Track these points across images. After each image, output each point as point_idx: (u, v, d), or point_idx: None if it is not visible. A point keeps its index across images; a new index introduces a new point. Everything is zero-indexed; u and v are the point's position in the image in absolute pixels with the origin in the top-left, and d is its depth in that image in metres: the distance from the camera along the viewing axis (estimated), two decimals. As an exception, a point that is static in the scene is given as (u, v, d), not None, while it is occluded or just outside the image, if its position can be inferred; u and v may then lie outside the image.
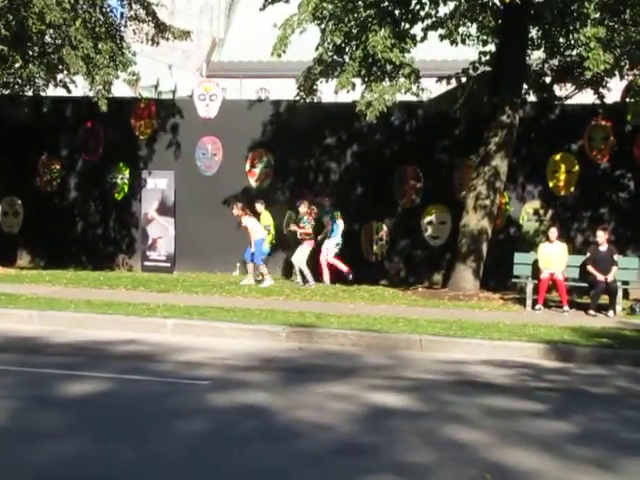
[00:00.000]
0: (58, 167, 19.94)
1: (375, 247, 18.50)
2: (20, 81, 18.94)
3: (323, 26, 15.04)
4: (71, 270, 18.52)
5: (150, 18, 18.55)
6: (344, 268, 16.86)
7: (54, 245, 19.46)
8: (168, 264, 18.75)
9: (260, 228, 16.55)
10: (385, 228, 18.37)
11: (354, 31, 14.80)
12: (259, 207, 17.27)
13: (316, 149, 18.72)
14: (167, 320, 11.46)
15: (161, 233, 18.83)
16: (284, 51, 14.68)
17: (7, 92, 19.37)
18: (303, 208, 16.47)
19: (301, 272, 16.41)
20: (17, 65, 18.77)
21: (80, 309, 12.13)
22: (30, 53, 17.95)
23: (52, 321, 11.54)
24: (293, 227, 17.02)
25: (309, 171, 18.82)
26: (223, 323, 11.32)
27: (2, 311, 11.91)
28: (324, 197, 17.64)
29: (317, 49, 15.40)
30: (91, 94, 17.43)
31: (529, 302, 14.41)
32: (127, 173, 19.62)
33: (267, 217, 17.26)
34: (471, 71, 17.17)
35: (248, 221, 16.43)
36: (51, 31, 17.31)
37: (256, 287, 15.77)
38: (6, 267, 17.89)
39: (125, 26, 18.71)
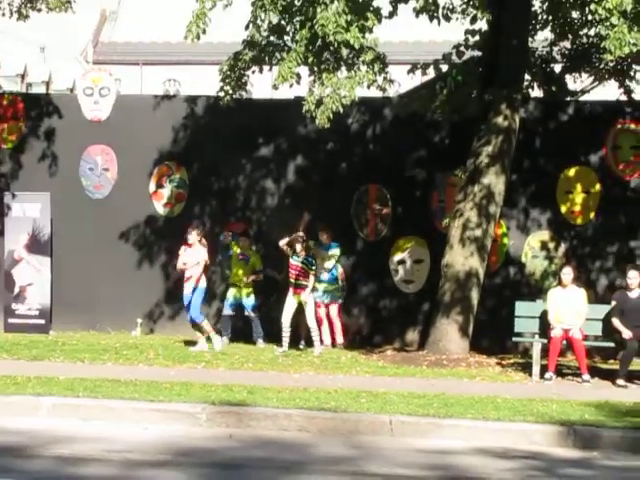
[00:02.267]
0: None
1: (327, 295, 18.61)
2: None
3: (255, -3, 15.22)
4: None
5: (15, -20, 18.56)
6: (328, 339, 17.33)
7: None
8: (42, 321, 18.56)
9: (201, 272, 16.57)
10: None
11: (296, 3, 15.01)
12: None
13: (247, 162, 18.84)
14: (42, 399, 11.34)
15: (32, 278, 18.67)
16: (203, 31, 14.81)
17: None
18: (299, 245, 16.55)
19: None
20: None
21: None
22: None
23: None
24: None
25: (237, 192, 18.90)
26: (121, 402, 11.24)
27: None
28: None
29: (247, 28, 15.56)
30: None
31: (536, 369, 14.58)
32: (-17, 196, 19.46)
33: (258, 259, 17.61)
34: (455, 57, 17.50)
35: (199, 254, 16.48)
36: None
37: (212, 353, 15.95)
38: None
39: (-22, -8, 18.70)
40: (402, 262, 18.42)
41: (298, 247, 16.63)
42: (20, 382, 12.31)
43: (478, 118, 16.34)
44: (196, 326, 16.54)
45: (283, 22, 15.28)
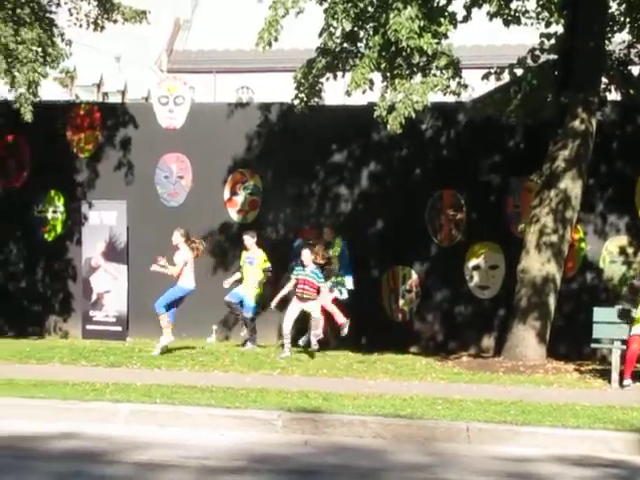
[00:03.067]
0: (-33, 198, 20.08)
1: (402, 301, 18.58)
2: None
3: (327, 4, 15.25)
4: (-16, 338, 18.60)
5: (92, -7, 18.83)
6: (340, 319, 17.02)
7: (-41, 304, 19.54)
8: (119, 328, 18.80)
9: (188, 271, 16.68)
10: (415, 275, 18.45)
11: (370, 10, 15.02)
12: (249, 241, 17.45)
13: (320, 169, 18.90)
14: (119, 405, 11.47)
15: (109, 286, 18.92)
16: (275, 39, 14.89)
17: None
18: (307, 256, 16.51)
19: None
20: None
21: (-1, 392, 12.19)
22: None
23: (-39, 409, 11.58)
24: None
25: (310, 199, 18.97)
26: (197, 408, 11.33)
27: None
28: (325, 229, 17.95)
29: (320, 35, 15.61)
30: (11, 98, 17.63)
31: (615, 375, 14.41)
32: (61, 204, 19.77)
33: (262, 256, 17.60)
34: (530, 61, 17.39)
35: (185, 255, 16.59)
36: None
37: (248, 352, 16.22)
38: None
39: (58, 5, 19.00)
40: (477, 268, 18.33)
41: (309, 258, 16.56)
42: (99, 388, 12.47)
43: (554, 122, 16.22)
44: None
45: (356, 28, 15.28)
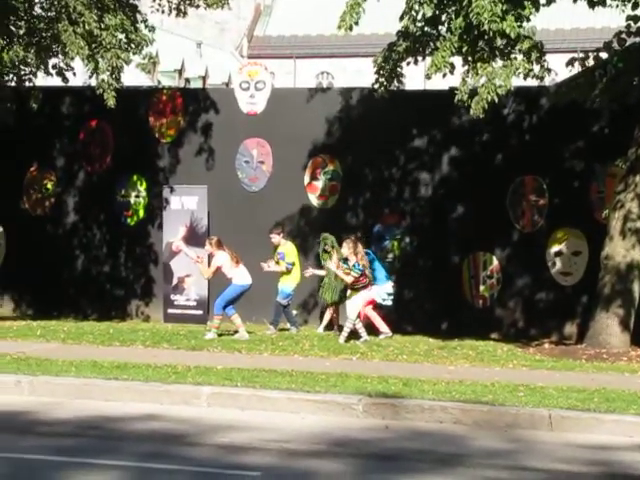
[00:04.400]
0: (52, 182, 20.41)
1: (482, 287, 18.47)
2: (1, 68, 19.50)
3: (410, -13, 15.20)
4: (70, 321, 18.90)
5: (175, -21, 18.98)
6: (382, 327, 17.02)
7: (46, 287, 19.86)
8: (200, 311, 18.97)
9: (237, 270, 16.76)
10: (496, 261, 18.33)
11: (452, -7, 14.93)
12: (276, 238, 17.55)
13: (400, 154, 18.85)
14: (201, 388, 11.59)
15: (190, 270, 19.08)
16: (356, 22, 14.88)
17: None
18: (346, 249, 16.40)
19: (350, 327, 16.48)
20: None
21: (83, 373, 12.36)
22: (14, 30, 18.51)
23: (47, 390, 11.78)
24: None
25: (390, 184, 18.93)
26: (277, 392, 11.39)
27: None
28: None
29: (401, 19, 15.55)
30: (94, 84, 17.84)
31: (701, 364, 14.21)
32: (143, 189, 20.00)
33: (290, 251, 17.68)
34: (615, 44, 17.09)
35: (221, 260, 16.76)
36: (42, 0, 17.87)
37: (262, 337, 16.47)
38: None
39: (141, -9, 19.20)
40: (559, 254, 18.14)
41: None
42: (180, 371, 12.59)
43: (639, 106, 15.94)
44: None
45: (437, 12, 15.19)
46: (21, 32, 18.46)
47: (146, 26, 18.34)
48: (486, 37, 14.72)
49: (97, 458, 8.58)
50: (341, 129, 19.13)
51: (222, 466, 8.41)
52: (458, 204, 18.52)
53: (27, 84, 19.13)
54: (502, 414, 10.60)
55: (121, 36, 17.57)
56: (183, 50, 27.31)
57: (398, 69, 16.23)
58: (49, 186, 20.42)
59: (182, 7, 19.10)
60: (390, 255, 18.78)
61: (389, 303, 17.52)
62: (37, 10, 18.35)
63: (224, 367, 12.92)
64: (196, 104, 19.90)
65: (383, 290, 17.31)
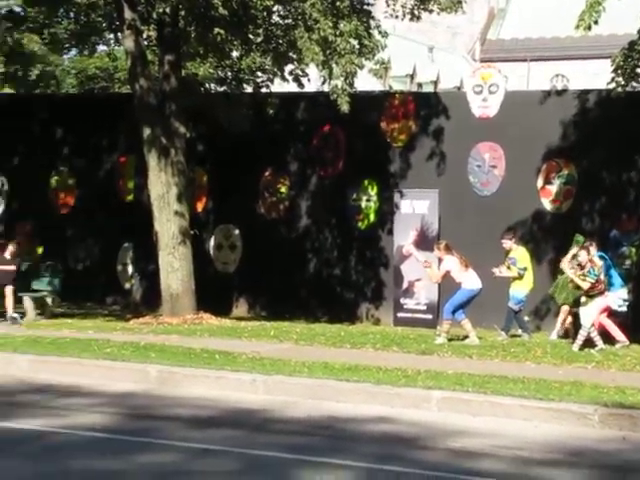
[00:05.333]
0: (286, 186, 20.86)
1: None
2: (239, 75, 20.12)
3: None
4: (301, 322, 19.25)
5: (410, -17, 18.97)
6: (619, 336, 16.40)
7: (279, 289, 20.31)
8: (429, 316, 18.95)
9: (466, 275, 16.42)
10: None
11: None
12: (508, 243, 17.19)
13: (639, 157, 18.22)
14: (432, 392, 11.51)
15: (421, 274, 19.06)
16: (595, 22, 14.50)
17: (222, 89, 20.66)
18: (584, 255, 15.90)
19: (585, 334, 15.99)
20: (235, 55, 20.01)
21: (315, 374, 12.52)
22: (252, 37, 19.05)
23: (280, 389, 12.01)
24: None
25: (629, 188, 18.35)
26: (509, 399, 11.18)
27: (218, 374, 12.56)
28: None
29: (643, 17, 15.09)
30: (327, 89, 18.09)
31: None
32: (374, 193, 20.16)
33: (522, 256, 17.31)
34: None
35: (450, 264, 16.51)
36: (280, 8, 18.26)
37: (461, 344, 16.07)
38: (220, 316, 18.88)
39: (375, -4, 19.33)
40: None
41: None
42: (410, 375, 12.55)
43: None
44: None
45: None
46: (258, 40, 18.98)
47: (379, 32, 18.44)
48: None
49: (329, 457, 8.65)
50: (577, 132, 18.71)
51: (455, 471, 8.33)
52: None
53: (264, 90, 19.62)
54: None
55: (354, 42, 17.72)
56: (415, 55, 27.35)
57: (638, 69, 15.72)
58: (283, 190, 20.89)
59: (416, 12, 19.08)
60: (627, 262, 18.21)
61: (624, 309, 16.94)
62: (274, 18, 18.79)
63: (454, 372, 12.81)
64: (428, 108, 19.92)
65: (618, 296, 16.75)
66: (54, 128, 22.55)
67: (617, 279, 16.87)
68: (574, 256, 16.20)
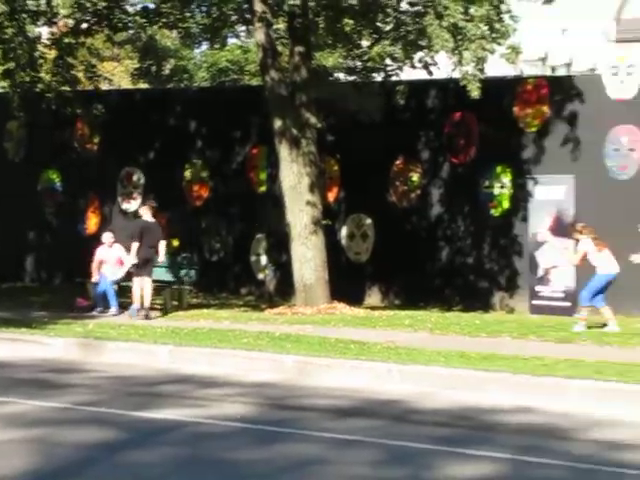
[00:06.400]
0: (417, 174, 20.78)
1: None
2: (368, 64, 20.12)
3: None
4: (435, 311, 19.16)
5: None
6: None
7: (412, 278, 20.25)
8: (567, 303, 18.60)
9: (601, 258, 16.00)
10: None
11: None
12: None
13: None
14: (571, 381, 11.33)
15: (556, 261, 18.76)
16: None
17: (352, 79, 20.69)
18: None
19: None
20: (365, 44, 20.01)
21: (451, 364, 12.46)
22: (381, 26, 19.01)
23: (416, 378, 11.98)
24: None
25: None
26: (653, 388, 10.97)
27: (354, 364, 12.60)
28: None
29: None
30: (458, 75, 17.91)
31: None
32: (508, 180, 19.91)
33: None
34: None
35: (586, 245, 16.18)
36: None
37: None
38: (353, 306, 18.92)
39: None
40: None
41: None
42: (548, 364, 12.40)
43: None
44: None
45: None
46: (387, 28, 18.94)
47: (510, 16, 18.16)
48: None
49: (471, 449, 8.58)
50: None
51: (600, 462, 8.17)
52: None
53: (393, 79, 19.57)
54: None
55: (485, 27, 17.50)
56: (547, 37, 26.94)
57: None
58: (415, 178, 20.83)
59: (548, -7, 18.72)
60: None
61: None
62: (404, 5, 18.70)
63: (595, 360, 12.57)
64: (562, 92, 19.55)
65: None
66: (187, 121, 22.88)
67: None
68: None
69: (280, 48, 20.31)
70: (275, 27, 20.03)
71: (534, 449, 8.62)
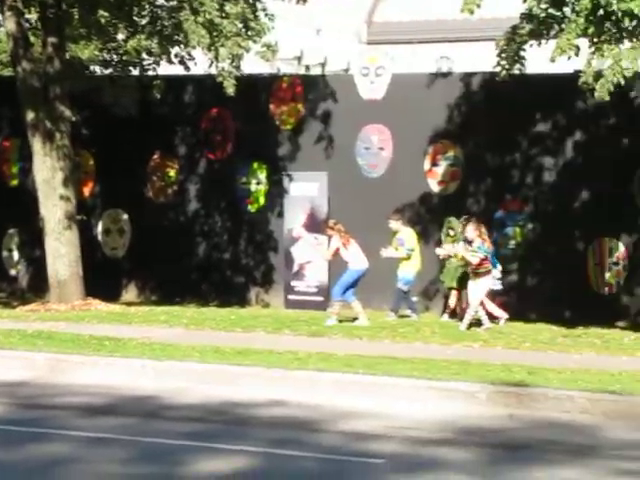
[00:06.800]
0: (174, 170, 20.70)
1: (608, 274, 18.10)
2: (124, 58, 19.86)
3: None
4: (192, 307, 19.14)
5: (294, -36, 18.93)
6: (497, 312, 16.87)
7: (169, 273, 20.17)
8: (320, 298, 18.99)
9: (351, 254, 16.67)
10: (622, 248, 17.93)
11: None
12: (395, 224, 17.49)
13: (522, 139, 18.58)
14: (322, 374, 11.60)
15: (310, 256, 19.14)
16: (478, 5, 14.68)
17: (108, 72, 20.39)
18: (472, 230, 16.18)
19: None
20: (121, 37, 19.76)
21: (207, 359, 12.51)
22: (137, 20, 18.83)
23: (171, 374, 11.97)
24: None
25: (513, 169, 18.68)
26: (399, 379, 11.33)
27: (107, 361, 12.47)
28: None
29: (525, 0, 15.29)
30: (214, 72, 17.97)
31: None
32: (264, 176, 20.13)
33: (410, 237, 17.56)
34: None
35: (338, 242, 16.77)
36: (165, -11, 18.11)
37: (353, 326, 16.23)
38: (109, 302, 18.69)
39: (261, -21, 19.23)
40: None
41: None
42: (301, 357, 12.63)
43: None
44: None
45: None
46: (144, 22, 18.78)
47: (266, 14, 18.41)
48: (613, 18, 14.36)
49: (225, 443, 8.68)
50: (462, 114, 18.92)
51: (347, 453, 8.43)
52: (583, 189, 18.17)
53: (150, 73, 19.43)
54: (632, 404, 10.37)
55: (240, 25, 17.67)
56: (302, 37, 27.42)
57: (521, 52, 15.95)
58: (171, 174, 20.74)
59: (302, -6, 19.05)
60: (512, 242, 18.55)
61: (499, 287, 17.24)
62: (160, 0, 18.60)
63: (345, 354, 12.92)
64: (316, 91, 19.92)
65: (492, 275, 17.06)
66: None
67: (492, 259, 17.19)
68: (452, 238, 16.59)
69: (33, 39, 19.76)
70: (27, 17, 19.47)
71: (287, 442, 8.79)
